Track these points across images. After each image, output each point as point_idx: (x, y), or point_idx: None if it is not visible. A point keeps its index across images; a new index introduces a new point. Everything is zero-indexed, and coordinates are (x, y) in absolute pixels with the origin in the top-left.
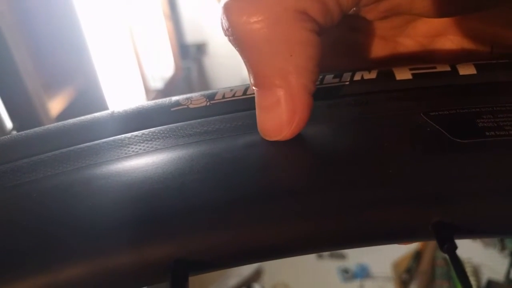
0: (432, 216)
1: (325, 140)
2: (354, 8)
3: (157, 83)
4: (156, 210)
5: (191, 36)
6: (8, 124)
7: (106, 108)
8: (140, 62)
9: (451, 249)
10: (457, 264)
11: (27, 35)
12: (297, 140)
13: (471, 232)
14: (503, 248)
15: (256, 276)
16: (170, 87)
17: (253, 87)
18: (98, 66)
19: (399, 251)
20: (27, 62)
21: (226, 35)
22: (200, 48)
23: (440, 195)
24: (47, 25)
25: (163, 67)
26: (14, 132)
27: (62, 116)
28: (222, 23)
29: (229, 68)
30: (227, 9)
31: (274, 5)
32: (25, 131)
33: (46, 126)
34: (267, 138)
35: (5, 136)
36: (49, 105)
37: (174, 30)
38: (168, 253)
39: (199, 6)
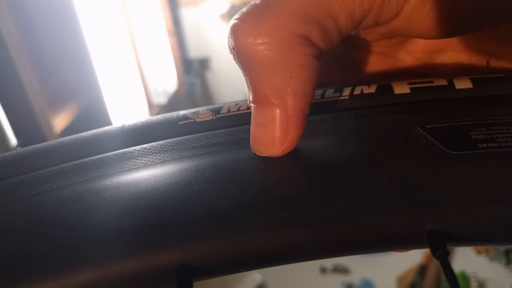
0: (426, 224)
1: (325, 152)
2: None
3: (161, 98)
4: (162, 218)
5: (194, 51)
6: (13, 140)
7: (110, 124)
8: (143, 77)
9: (443, 256)
10: (448, 269)
11: (32, 52)
12: (298, 152)
13: (463, 240)
14: (508, 262)
15: None
16: (173, 102)
17: (251, 104)
18: (102, 82)
19: (403, 266)
20: (32, 79)
21: (231, 53)
22: (203, 63)
23: (433, 204)
24: (52, 42)
25: (166, 82)
26: (19, 149)
27: (66, 132)
28: (228, 41)
29: (232, 83)
30: (235, 29)
31: (279, 29)
32: (40, 144)
33: (60, 139)
34: (258, 154)
35: (21, 149)
36: (53, 122)
37: (178, 46)
38: (173, 259)
39: (202, 21)
